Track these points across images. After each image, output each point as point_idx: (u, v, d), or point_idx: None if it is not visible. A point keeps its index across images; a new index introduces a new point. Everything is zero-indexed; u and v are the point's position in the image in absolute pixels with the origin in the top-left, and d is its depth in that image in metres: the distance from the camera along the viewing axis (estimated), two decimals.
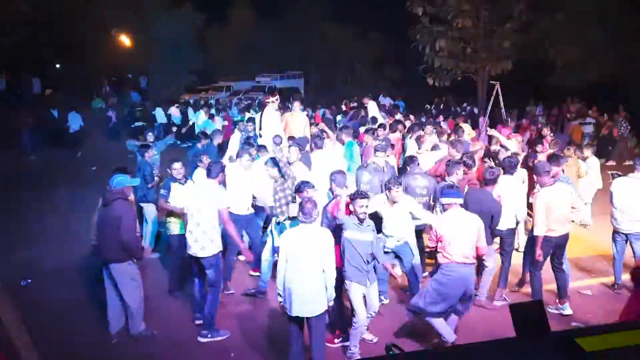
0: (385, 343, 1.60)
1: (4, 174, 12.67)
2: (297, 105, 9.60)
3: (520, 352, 1.48)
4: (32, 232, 8.76)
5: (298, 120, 9.43)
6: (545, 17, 18.49)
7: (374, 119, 12.02)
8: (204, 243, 5.44)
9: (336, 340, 5.48)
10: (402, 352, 1.57)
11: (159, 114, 18.16)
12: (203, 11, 30.01)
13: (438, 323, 5.10)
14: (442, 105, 21.68)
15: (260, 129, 9.28)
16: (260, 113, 9.40)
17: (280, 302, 4.68)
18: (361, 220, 5.00)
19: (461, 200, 5.17)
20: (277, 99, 9.29)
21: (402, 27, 21.29)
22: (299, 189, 5.58)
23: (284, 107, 10.24)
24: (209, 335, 5.53)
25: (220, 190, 5.70)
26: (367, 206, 5.04)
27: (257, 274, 6.81)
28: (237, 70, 32.21)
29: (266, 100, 9.36)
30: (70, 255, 7.66)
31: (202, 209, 5.44)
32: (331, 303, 4.63)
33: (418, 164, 6.99)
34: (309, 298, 4.49)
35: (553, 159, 6.79)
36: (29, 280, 6.84)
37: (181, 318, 6.01)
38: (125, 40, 27.56)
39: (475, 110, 18.79)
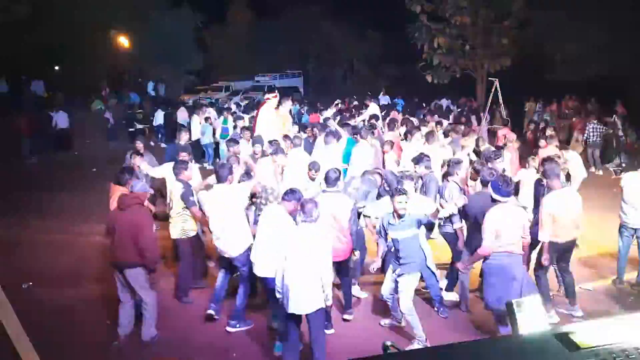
0: (382, 342, 1.61)
1: (4, 178, 12.69)
2: (288, 103, 9.61)
3: (516, 349, 1.49)
4: (34, 235, 8.78)
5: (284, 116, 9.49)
6: (543, 14, 18.48)
7: (375, 117, 12.08)
8: (235, 242, 5.56)
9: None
10: (399, 350, 1.58)
11: (158, 116, 18.12)
12: (202, 11, 30.06)
13: (496, 316, 5.13)
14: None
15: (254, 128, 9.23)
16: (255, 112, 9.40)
17: (279, 298, 4.73)
18: (400, 217, 5.16)
19: (508, 199, 5.10)
20: (275, 95, 9.27)
21: (400, 25, 21.31)
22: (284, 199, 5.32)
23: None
24: (237, 325, 5.68)
25: (240, 189, 5.85)
26: (406, 202, 5.15)
27: None
28: (236, 70, 32.24)
29: (266, 99, 9.31)
30: (72, 258, 7.68)
31: (233, 210, 5.59)
32: (329, 302, 4.67)
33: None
34: (307, 296, 4.54)
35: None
36: (30, 284, 6.86)
37: (182, 318, 6.02)
38: (124, 41, 27.55)
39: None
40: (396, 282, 5.40)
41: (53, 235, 8.70)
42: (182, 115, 17.32)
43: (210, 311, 5.82)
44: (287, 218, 5.10)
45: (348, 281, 5.97)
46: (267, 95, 9.40)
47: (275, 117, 9.17)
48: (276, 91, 9.58)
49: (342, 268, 5.82)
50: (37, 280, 6.91)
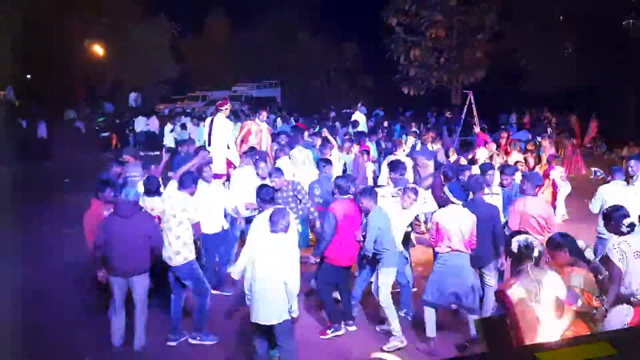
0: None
1: None
2: (263, 115, 9.40)
3: None
4: (3, 247, 8.55)
5: (258, 130, 9.22)
6: (516, 28, 18.96)
7: (356, 123, 12.26)
8: (176, 249, 5.41)
9: (328, 332, 5.65)
10: None
11: (139, 123, 17.85)
12: (178, 20, 29.91)
13: (428, 313, 5.32)
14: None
15: (209, 138, 8.76)
16: (210, 121, 8.96)
17: (248, 305, 4.74)
18: None
19: (460, 202, 5.29)
20: (228, 107, 9.02)
21: (377, 38, 21.61)
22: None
23: (252, 116, 10.04)
24: (198, 338, 5.57)
25: (192, 201, 5.60)
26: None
27: (218, 292, 6.62)
28: (213, 80, 32.12)
29: (218, 108, 8.97)
30: (44, 271, 7.51)
31: (177, 216, 5.42)
32: (295, 314, 4.61)
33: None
34: (272, 306, 4.51)
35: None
36: None
37: (162, 328, 5.92)
38: (98, 50, 27.22)
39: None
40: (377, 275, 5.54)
41: (25, 247, 8.47)
42: (153, 124, 17.25)
43: (171, 343, 5.56)
44: None
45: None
46: (221, 105, 9.01)
47: (229, 127, 8.87)
48: (225, 99, 9.25)
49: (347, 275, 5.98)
50: (8, 294, 6.72)
